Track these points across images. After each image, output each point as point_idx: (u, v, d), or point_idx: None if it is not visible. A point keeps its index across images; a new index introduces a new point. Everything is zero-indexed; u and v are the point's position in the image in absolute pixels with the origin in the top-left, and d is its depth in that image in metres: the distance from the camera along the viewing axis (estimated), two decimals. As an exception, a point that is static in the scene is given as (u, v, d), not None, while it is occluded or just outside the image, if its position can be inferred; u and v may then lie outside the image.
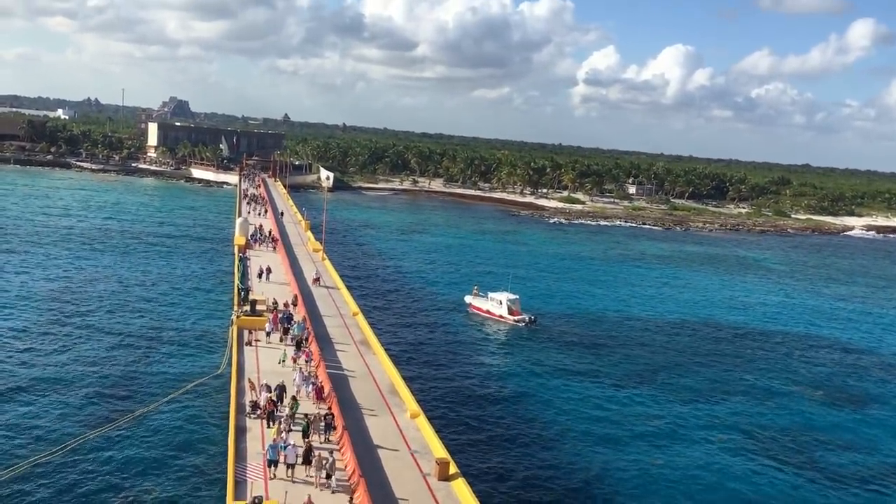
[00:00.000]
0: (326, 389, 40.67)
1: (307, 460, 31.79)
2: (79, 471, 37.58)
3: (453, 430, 46.46)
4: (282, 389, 39.42)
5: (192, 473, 38.44)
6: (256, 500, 28.51)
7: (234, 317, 55.23)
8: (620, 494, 39.97)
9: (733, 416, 53.18)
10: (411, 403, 41.94)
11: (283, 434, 34.00)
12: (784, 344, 75.83)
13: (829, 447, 48.90)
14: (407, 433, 38.52)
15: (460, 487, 32.54)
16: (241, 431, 36.53)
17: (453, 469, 33.98)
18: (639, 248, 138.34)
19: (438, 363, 60.46)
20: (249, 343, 50.96)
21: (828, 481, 43.55)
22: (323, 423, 35.99)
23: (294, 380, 41.48)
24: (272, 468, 31.88)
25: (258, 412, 38.52)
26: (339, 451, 32.68)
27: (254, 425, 37.58)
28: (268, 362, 47.15)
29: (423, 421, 39.74)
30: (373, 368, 48.36)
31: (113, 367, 52.67)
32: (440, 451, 35.72)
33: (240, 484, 31.51)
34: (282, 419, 36.56)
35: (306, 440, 33.98)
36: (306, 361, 46.55)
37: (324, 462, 31.30)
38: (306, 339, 50.11)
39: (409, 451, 36.34)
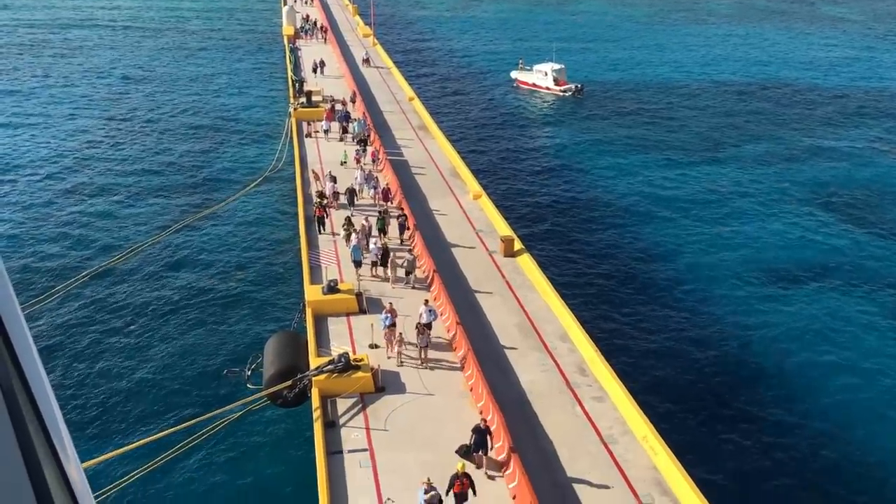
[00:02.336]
0: (394, 190, 39.88)
1: (384, 262, 31.99)
2: (168, 255, 39.98)
3: (515, 207, 47.15)
4: (352, 193, 38.57)
5: (273, 265, 40.45)
6: (332, 284, 30.02)
7: (290, 109, 55.30)
8: (685, 259, 40.64)
9: (806, 180, 52.25)
10: (473, 185, 42.38)
11: (361, 236, 33.73)
12: (863, 102, 72.45)
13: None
14: (471, 214, 39.28)
15: (526, 262, 33.52)
16: (309, 221, 37.78)
17: (518, 245, 34.85)
18: (705, 7, 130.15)
19: (492, 141, 60.31)
20: (309, 135, 51.34)
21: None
22: (398, 222, 35.78)
23: (356, 178, 40.55)
24: (357, 269, 31.96)
25: (325, 201, 39.52)
26: (411, 250, 33.14)
27: (318, 200, 38.68)
28: (329, 153, 47.69)
29: (485, 201, 40.32)
30: (433, 153, 48.54)
31: (181, 164, 54.19)
32: (504, 228, 36.50)
33: (314, 269, 33.10)
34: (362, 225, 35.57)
35: (383, 240, 33.63)
36: (373, 161, 45.36)
37: (401, 261, 31.70)
38: (369, 137, 48.47)
39: (475, 231, 37.24)
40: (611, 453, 22.07)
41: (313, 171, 43.01)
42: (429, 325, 26.60)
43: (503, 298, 30.91)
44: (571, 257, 41.15)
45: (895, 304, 36.13)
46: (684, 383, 30.48)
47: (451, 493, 19.27)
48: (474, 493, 19.33)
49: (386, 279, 31.96)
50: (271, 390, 25.40)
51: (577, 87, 72.81)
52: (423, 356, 26.27)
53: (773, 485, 25.15)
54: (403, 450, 22.18)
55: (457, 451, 21.30)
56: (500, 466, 21.30)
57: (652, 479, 21.06)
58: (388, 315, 27.27)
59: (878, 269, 39.64)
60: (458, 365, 26.00)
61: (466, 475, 19.30)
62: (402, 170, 44.42)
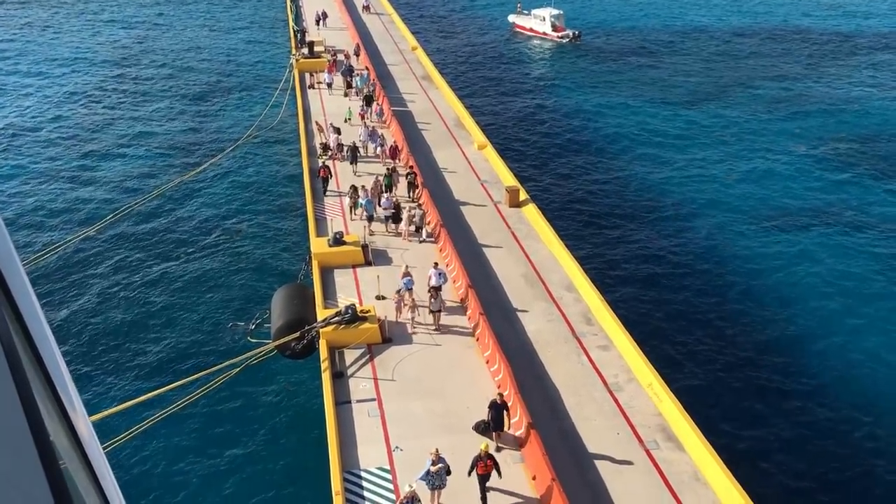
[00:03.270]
0: (401, 147, 38.94)
1: (397, 218, 31.72)
2: (171, 210, 40.01)
3: (519, 157, 46.87)
4: (354, 151, 37.54)
5: (278, 217, 40.44)
6: (338, 236, 30.05)
7: (292, 60, 54.70)
8: (690, 205, 40.49)
9: (812, 124, 51.67)
10: (478, 135, 42.08)
11: (374, 193, 33.07)
12: (872, 45, 71.17)
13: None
14: (476, 164, 39.08)
15: (531, 212, 33.45)
16: (314, 173, 37.63)
17: (523, 195, 34.74)
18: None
19: (493, 91, 59.67)
20: (312, 86, 50.86)
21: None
22: (406, 181, 34.92)
23: (359, 135, 39.64)
24: (369, 223, 31.77)
25: (329, 153, 39.36)
26: (421, 205, 32.66)
27: (323, 160, 38.56)
28: (332, 105, 47.31)
29: (490, 151, 40.08)
30: (437, 103, 48.09)
31: (183, 117, 53.86)
32: (509, 179, 36.34)
33: (320, 221, 33.10)
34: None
35: (392, 197, 33.10)
36: (377, 116, 44.45)
37: (413, 216, 31.43)
38: (373, 93, 46.99)
39: (479, 182, 37.09)
40: (616, 401, 22.29)
41: (317, 123, 42.72)
42: (439, 288, 25.89)
43: (508, 249, 30.93)
44: (576, 207, 41.03)
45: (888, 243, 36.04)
46: (687, 330, 30.61)
47: (475, 473, 18.47)
48: (499, 474, 18.54)
49: (397, 234, 31.84)
50: (279, 342, 25.63)
51: (574, 33, 71.84)
52: (436, 321, 25.65)
53: (775, 430, 25.42)
54: (411, 399, 22.43)
55: (474, 428, 20.80)
56: (519, 443, 20.69)
57: (656, 425, 21.31)
58: (410, 278, 26.41)
59: (883, 212, 39.42)
60: (470, 330, 25.52)
61: (490, 456, 18.53)
62: (406, 121, 44.08)
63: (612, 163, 46.48)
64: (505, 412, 20.24)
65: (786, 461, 24.09)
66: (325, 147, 39.73)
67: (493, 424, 20.24)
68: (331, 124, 41.37)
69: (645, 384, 22.77)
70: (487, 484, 18.67)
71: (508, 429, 20.69)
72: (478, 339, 25.00)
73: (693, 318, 31.42)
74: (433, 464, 18.04)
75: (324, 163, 36.33)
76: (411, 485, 17.57)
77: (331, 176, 35.80)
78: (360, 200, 32.09)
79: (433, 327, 25.59)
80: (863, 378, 27.81)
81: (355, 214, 32.63)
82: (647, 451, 20.40)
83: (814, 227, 38.24)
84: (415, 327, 25.56)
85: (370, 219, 31.83)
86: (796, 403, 26.63)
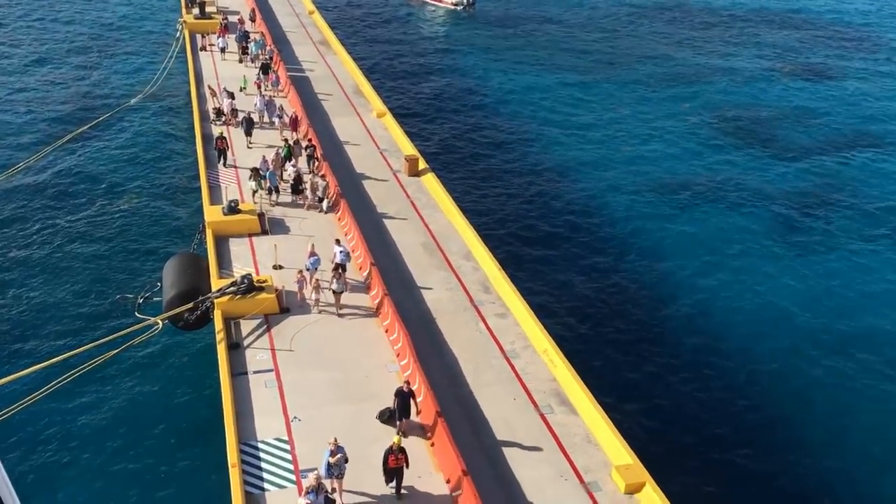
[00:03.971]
0: (301, 117, 37.80)
1: (297, 189, 31.11)
2: (53, 178, 37.97)
3: (418, 126, 46.79)
4: (249, 122, 35.90)
5: (168, 185, 38.98)
6: (233, 204, 29.25)
7: (182, 20, 52.45)
8: (583, 178, 41.51)
9: (700, 101, 53.66)
10: (377, 103, 41.65)
11: (276, 165, 32.12)
12: (756, 26, 74.26)
13: (794, 123, 50.13)
14: (374, 132, 38.73)
15: (430, 181, 33.49)
16: (207, 139, 36.43)
17: (422, 165, 34.70)
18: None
19: (387, 56, 59.33)
20: (203, 48, 48.99)
21: (792, 156, 45.30)
22: (305, 154, 33.69)
23: (255, 104, 38.14)
24: (272, 195, 31.09)
25: (223, 119, 38.14)
26: (323, 176, 31.87)
27: (219, 131, 37.32)
28: (225, 69, 45.76)
29: (389, 119, 39.78)
30: (335, 69, 47.27)
31: (62, 79, 50.97)
32: (409, 148, 36.21)
33: (214, 189, 32.13)
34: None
35: (294, 167, 32.19)
36: (273, 85, 42.76)
37: (315, 186, 30.79)
38: (271, 60, 45.31)
39: (379, 151, 36.81)
40: (513, 367, 22.78)
41: (209, 87, 41.20)
42: (343, 267, 25.35)
43: (408, 218, 30.92)
44: (475, 175, 41.37)
45: (775, 218, 38.08)
46: (582, 297, 31.55)
47: (386, 467, 17.88)
48: (407, 467, 18.04)
49: (297, 205, 31.15)
50: (172, 313, 24.86)
51: (468, 1, 72.20)
52: (338, 302, 24.85)
53: (660, 390, 26.63)
54: (310, 369, 22.24)
55: (378, 417, 20.29)
56: (426, 431, 20.21)
57: (551, 390, 21.92)
58: (317, 258, 25.64)
59: (769, 186, 41.53)
60: (374, 310, 24.96)
61: (402, 450, 17.88)
62: (304, 89, 43.14)
63: (510, 132, 47.04)
64: (411, 400, 19.87)
65: (671, 419, 25.29)
66: (219, 112, 38.45)
67: (398, 413, 19.79)
68: (224, 89, 40.02)
69: (540, 350, 23.35)
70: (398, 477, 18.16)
71: (416, 416, 20.32)
72: (377, 309, 24.97)
73: (586, 285, 32.38)
74: (332, 454, 17.60)
75: (220, 134, 34.55)
76: (314, 475, 17.17)
77: (228, 148, 34.42)
78: (263, 172, 31.10)
79: (335, 309, 24.83)
80: (739, 341, 29.41)
81: (257, 199, 30.50)
82: (542, 416, 20.97)
83: (703, 197, 39.90)
84: (319, 311, 24.77)
85: (274, 190, 31.05)
86: (684, 366, 27.93)
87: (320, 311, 24.80)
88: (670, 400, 26.36)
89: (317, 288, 24.67)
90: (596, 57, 61.46)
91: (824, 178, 42.38)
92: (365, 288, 26.24)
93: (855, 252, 35.50)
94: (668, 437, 24.66)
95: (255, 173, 30.54)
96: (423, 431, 20.26)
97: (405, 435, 19.78)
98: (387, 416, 20.27)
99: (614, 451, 19.57)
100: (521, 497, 18.40)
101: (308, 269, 25.34)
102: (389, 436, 19.76)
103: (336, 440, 17.94)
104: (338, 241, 26.76)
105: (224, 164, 33.92)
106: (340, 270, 24.96)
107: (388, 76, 55.08)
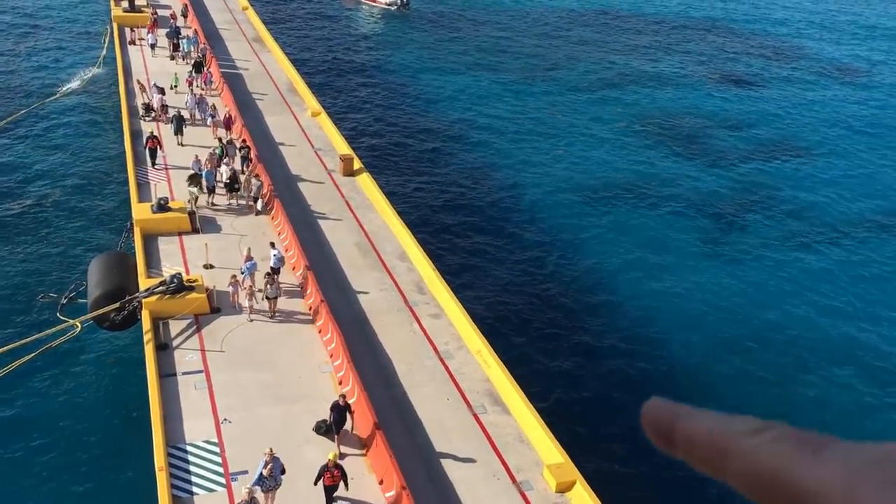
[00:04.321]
0: (235, 117, 36.95)
1: (232, 188, 30.39)
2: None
3: (352, 125, 46.56)
4: (179, 121, 34.78)
5: (94, 182, 37.86)
6: (162, 202, 28.60)
7: (111, 13, 51.05)
8: (514, 180, 41.94)
9: (629, 106, 54.81)
10: (311, 101, 41.30)
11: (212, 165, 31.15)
12: (684, 33, 76.24)
13: (715, 129, 51.60)
14: (309, 132, 38.40)
15: (365, 181, 33.38)
16: (136, 135, 35.56)
17: (357, 164, 34.57)
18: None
19: (321, 55, 58.89)
20: (133, 42, 47.77)
21: (712, 160, 46.61)
22: (239, 156, 32.73)
23: (186, 102, 37.25)
24: (210, 196, 30.18)
25: (152, 114, 37.27)
26: (257, 176, 31.19)
27: (149, 128, 36.48)
28: (155, 64, 44.74)
29: (324, 118, 39.50)
30: (269, 67, 46.69)
31: (-15, 72, 49.05)
32: (343, 147, 36.02)
33: (142, 186, 31.36)
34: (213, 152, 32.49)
35: (229, 166, 31.27)
36: (206, 84, 41.45)
37: (250, 186, 30.09)
38: (204, 59, 44.09)
39: (313, 150, 36.51)
40: (447, 368, 22.87)
41: (138, 82, 40.19)
42: (277, 271, 25.09)
43: (342, 218, 30.74)
44: (410, 176, 41.38)
45: (696, 220, 39.19)
46: (513, 297, 31.86)
47: (322, 484, 17.48)
48: (346, 485, 17.61)
49: (229, 204, 30.41)
50: (97, 313, 24.18)
51: (402, 1, 72.22)
52: (272, 308, 24.24)
53: (591, 390, 27.11)
54: (241, 370, 21.91)
55: (314, 429, 19.69)
56: (363, 445, 19.71)
57: (484, 390, 22.10)
58: (254, 261, 24.96)
59: (689, 189, 42.67)
60: (310, 316, 24.44)
61: (338, 466, 17.41)
62: (237, 86, 42.48)
63: (444, 132, 47.21)
64: (348, 413, 19.47)
65: (600, 418, 25.75)
66: (148, 108, 37.56)
67: (334, 426, 19.33)
68: (154, 84, 39.09)
69: (474, 351, 23.51)
70: (335, 494, 17.81)
71: (352, 430, 19.93)
72: (311, 309, 24.75)
73: (517, 284, 32.71)
74: (265, 465, 17.11)
75: (152, 133, 33.33)
76: (247, 488, 16.96)
77: (160, 148, 33.21)
78: (199, 172, 30.33)
79: (269, 314, 24.25)
80: (667, 337, 30.15)
81: (199, 204, 29.62)
82: (475, 416, 21.12)
83: (627, 199, 40.75)
84: (251, 317, 24.00)
85: (210, 190, 30.21)
86: (609, 364, 28.47)
87: (252, 320, 23.96)
88: (600, 396, 26.84)
89: (251, 294, 23.96)
90: (528, 59, 62.17)
91: (743, 183, 43.75)
92: (300, 292, 25.85)
93: (768, 255, 36.76)
94: (597, 433, 25.11)
95: (195, 178, 29.52)
96: (360, 444, 19.75)
97: (342, 457, 19.00)
98: (323, 430, 19.67)
99: (546, 450, 19.84)
100: (454, 497, 18.49)
101: (243, 273, 24.78)
102: (322, 437, 19.65)
103: (271, 451, 17.44)
104: (273, 245, 26.29)
105: (154, 164, 32.89)
106: (275, 275, 24.62)
107: (322, 75, 54.64)
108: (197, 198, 29.44)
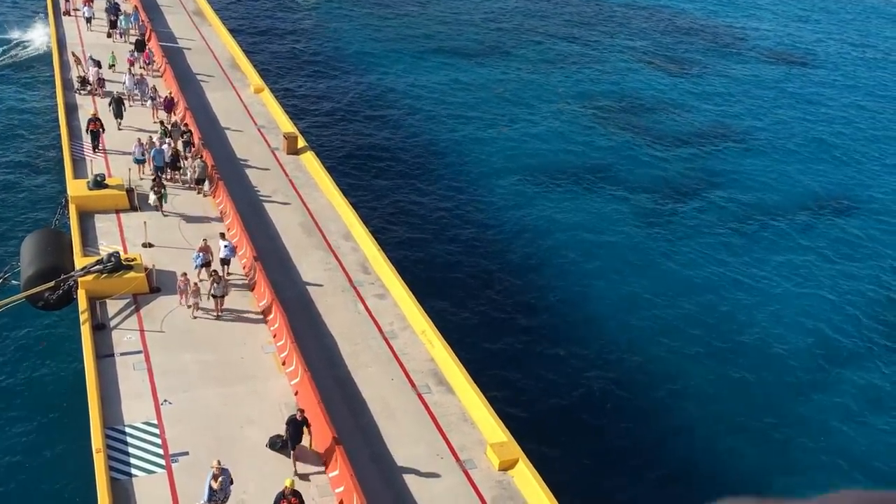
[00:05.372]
0: (178, 99, 35.34)
1: (175, 166, 29.46)
2: None
3: (298, 103, 45.93)
4: (118, 103, 32.86)
5: (26, 157, 36.60)
6: (99, 178, 27.80)
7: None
8: (457, 156, 41.97)
9: (573, 86, 55.18)
10: (254, 78, 40.54)
11: (154, 139, 30.08)
12: (622, 11, 76.85)
13: (655, 111, 52.35)
14: (252, 108, 37.71)
15: (309, 160, 32.98)
16: (71, 109, 34.45)
17: (301, 143, 34.12)
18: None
19: (262, 31, 57.90)
20: (67, 13, 46.09)
21: (651, 142, 47.33)
22: (182, 140, 31.22)
23: (124, 83, 35.39)
24: (140, 166, 29.42)
25: (88, 88, 36.13)
26: (202, 158, 30.21)
27: (85, 102, 35.42)
28: (91, 36, 43.30)
29: (267, 95, 38.83)
30: (210, 41, 45.63)
31: None
32: (287, 125, 35.49)
33: (78, 162, 30.44)
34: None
35: (170, 146, 30.02)
36: (147, 64, 39.39)
37: (195, 168, 29.12)
38: (146, 37, 42.00)
39: (256, 127, 35.89)
40: (391, 347, 22.86)
41: (73, 54, 38.89)
42: (227, 261, 24.25)
43: (286, 197, 30.35)
44: (354, 155, 41.05)
45: (638, 203, 39.86)
46: (458, 276, 31.98)
47: None
48: None
49: (172, 182, 29.46)
50: (30, 292, 23.45)
51: None
52: (218, 306, 22.98)
53: (532, 369, 27.46)
54: (181, 351, 21.53)
55: (268, 445, 18.60)
56: (321, 461, 18.65)
57: (429, 370, 22.17)
58: (201, 254, 23.88)
59: (628, 173, 43.29)
60: (261, 315, 23.26)
61: (296, 493, 16.44)
62: (178, 61, 41.40)
63: (390, 110, 46.93)
64: (305, 428, 18.32)
65: (546, 398, 26.13)
66: (84, 81, 36.37)
67: (290, 442, 18.21)
68: (90, 56, 37.87)
69: (419, 331, 23.55)
70: None
71: (309, 446, 18.69)
72: (253, 290, 24.44)
73: (462, 263, 32.83)
74: (214, 477, 16.32)
75: (94, 115, 31.63)
76: (177, 460, 16.57)
77: (103, 130, 31.32)
78: (148, 152, 29.21)
79: (215, 314, 23.02)
80: (604, 316, 30.69)
81: (162, 206, 27.64)
82: (420, 395, 21.19)
83: (566, 180, 41.14)
84: (195, 316, 22.88)
85: (159, 169, 29.15)
86: (550, 344, 28.86)
87: (196, 316, 22.85)
88: (541, 377, 27.20)
89: (196, 292, 22.88)
90: (475, 40, 62.02)
91: (686, 169, 44.56)
92: (248, 285, 24.76)
93: (707, 238, 37.61)
94: (539, 412, 25.47)
95: (158, 183, 27.72)
96: (318, 460, 18.68)
97: (301, 476, 18.02)
98: (278, 446, 18.59)
99: (489, 429, 20.04)
100: (398, 476, 18.55)
101: (195, 267, 23.83)
102: (265, 419, 19.48)
103: (219, 462, 16.66)
104: (223, 235, 25.13)
105: (95, 148, 31.04)
106: (225, 266, 24.07)
107: (264, 51, 53.67)
108: (161, 198, 27.41)
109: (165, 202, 27.63)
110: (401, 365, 22.23)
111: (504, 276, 32.55)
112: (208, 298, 23.17)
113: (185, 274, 23.15)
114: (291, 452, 18.29)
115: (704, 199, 41.28)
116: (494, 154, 43.20)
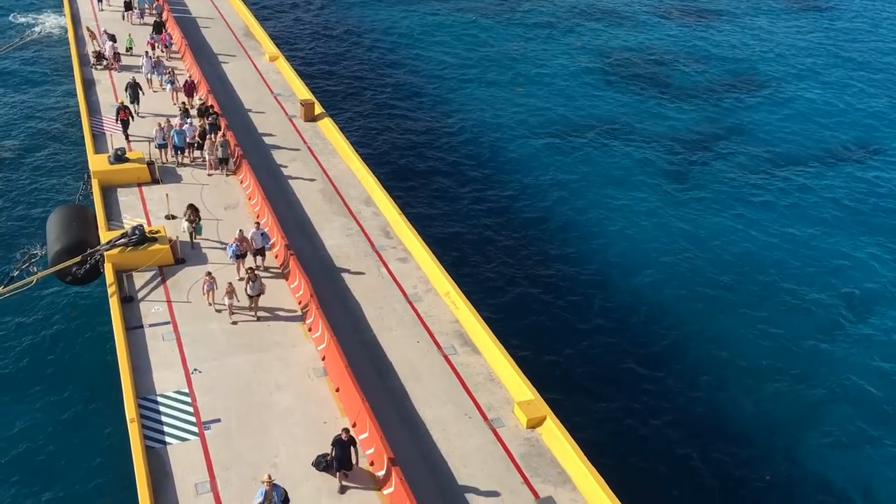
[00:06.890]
0: (199, 82, 34.42)
1: (199, 145, 29.18)
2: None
3: (313, 70, 45.69)
4: (134, 88, 32.23)
5: (46, 135, 36.82)
6: (119, 152, 27.92)
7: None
8: (472, 120, 41.63)
9: (592, 43, 54.34)
10: (269, 46, 40.33)
11: (173, 121, 29.47)
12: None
13: (675, 64, 51.49)
14: (268, 76, 37.57)
15: (327, 126, 32.87)
16: (88, 84, 34.54)
17: (318, 109, 33.98)
18: None
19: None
20: (80, -12, 45.96)
21: (674, 96, 46.62)
22: (209, 122, 30.29)
23: (141, 67, 35.08)
24: (162, 151, 29.04)
25: (104, 63, 36.16)
26: (225, 137, 29.68)
27: (101, 77, 35.48)
28: (106, 12, 43.22)
29: (283, 63, 38.63)
30: (223, 11, 45.37)
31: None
32: (304, 92, 35.33)
33: (98, 137, 30.57)
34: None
35: (196, 126, 29.61)
36: (166, 46, 38.29)
37: (217, 147, 28.48)
38: (163, 19, 41.30)
39: (273, 95, 35.77)
40: (415, 310, 22.93)
41: (88, 29, 38.88)
42: (262, 252, 23.76)
43: (305, 164, 30.33)
44: (373, 120, 40.86)
45: (663, 158, 39.37)
46: (479, 237, 31.90)
47: None
48: None
49: (193, 161, 29.32)
50: (58, 267, 23.73)
51: None
52: (254, 305, 21.97)
53: (560, 328, 27.44)
54: (208, 320, 21.75)
55: (314, 464, 17.48)
56: (377, 482, 17.34)
57: (454, 331, 22.23)
58: (237, 244, 23.07)
59: (652, 127, 42.72)
60: (300, 313, 22.32)
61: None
62: (191, 28, 41.27)
63: (406, 73, 46.57)
64: (352, 449, 17.01)
65: (571, 355, 26.14)
66: (100, 56, 36.40)
67: (336, 464, 16.96)
68: (105, 31, 37.84)
69: (443, 293, 23.57)
70: None
71: (356, 464, 17.38)
72: (280, 263, 24.53)
73: (482, 224, 32.73)
74: (265, 495, 15.46)
75: (122, 103, 30.81)
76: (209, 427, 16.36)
77: (132, 119, 30.83)
78: (170, 132, 28.74)
79: (252, 315, 22.04)
80: (630, 271, 30.52)
81: (193, 239, 24.92)
82: (446, 357, 21.28)
83: (587, 137, 40.69)
84: (234, 321, 21.82)
85: (180, 150, 28.91)
86: (576, 299, 28.78)
87: (235, 322, 21.79)
88: (568, 331, 27.18)
89: (230, 292, 21.72)
90: (492, 0, 61.19)
91: (713, 122, 43.89)
92: (284, 276, 23.94)
93: (736, 193, 37.14)
94: (566, 368, 25.50)
95: (193, 210, 24.57)
96: (370, 480, 17.44)
97: (343, 490, 17.11)
98: (322, 466, 17.47)
99: (516, 387, 20.10)
100: (427, 437, 18.72)
101: (230, 258, 23.34)
102: (294, 384, 19.67)
103: (270, 478, 15.66)
104: (257, 225, 24.09)
105: (127, 136, 30.49)
106: (260, 258, 23.84)
107: (277, 19, 53.31)
108: (192, 232, 24.70)
109: (199, 233, 24.89)
110: (426, 327, 22.30)
111: (527, 235, 32.41)
112: (244, 296, 22.11)
113: (209, 273, 22.42)
114: (337, 474, 17.18)
115: (729, 151, 40.67)
116: (513, 115, 42.76)
